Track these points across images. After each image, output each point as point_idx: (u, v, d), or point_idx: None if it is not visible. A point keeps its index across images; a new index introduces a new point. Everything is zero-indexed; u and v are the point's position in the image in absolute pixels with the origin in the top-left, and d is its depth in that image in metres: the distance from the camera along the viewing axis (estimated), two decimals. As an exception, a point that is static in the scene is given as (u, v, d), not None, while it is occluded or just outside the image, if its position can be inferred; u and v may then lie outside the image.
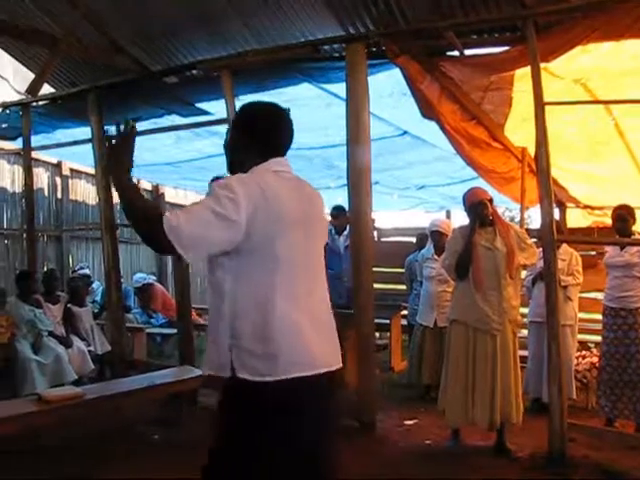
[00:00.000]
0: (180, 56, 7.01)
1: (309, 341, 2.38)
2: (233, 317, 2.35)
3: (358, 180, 5.64)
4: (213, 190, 2.33)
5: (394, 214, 15.31)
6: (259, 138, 2.55)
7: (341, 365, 2.52)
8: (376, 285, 7.09)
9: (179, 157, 9.41)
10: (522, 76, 5.64)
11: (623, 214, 5.85)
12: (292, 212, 2.44)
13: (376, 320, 6.67)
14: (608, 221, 6.01)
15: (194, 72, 6.96)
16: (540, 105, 4.95)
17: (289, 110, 2.73)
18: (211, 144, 8.30)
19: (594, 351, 6.99)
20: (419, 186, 10.52)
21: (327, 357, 2.45)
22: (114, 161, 2.51)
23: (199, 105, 7.27)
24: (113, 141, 2.55)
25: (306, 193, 2.61)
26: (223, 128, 6.64)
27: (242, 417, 2.34)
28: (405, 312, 8.37)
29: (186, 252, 2.29)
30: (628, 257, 5.80)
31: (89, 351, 7.23)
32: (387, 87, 6.13)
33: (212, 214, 2.29)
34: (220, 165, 8.25)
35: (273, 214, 2.36)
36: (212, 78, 6.60)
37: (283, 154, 2.60)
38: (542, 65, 5.09)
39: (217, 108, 6.88)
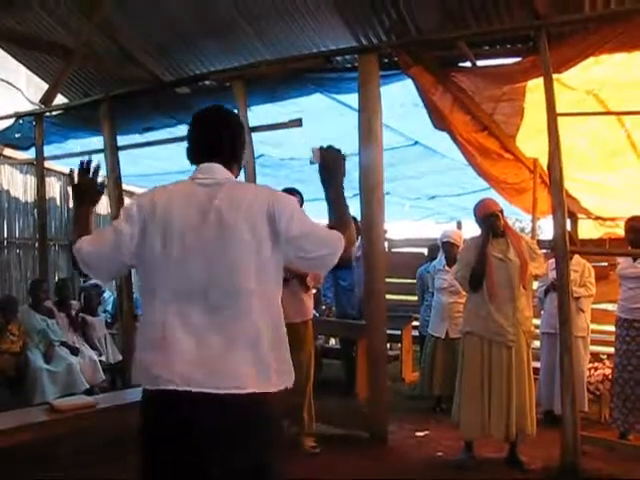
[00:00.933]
0: (192, 66, 7.06)
1: (175, 357, 2.25)
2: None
3: (370, 191, 5.64)
4: None
5: (405, 225, 15.30)
6: (187, 146, 2.62)
7: (238, 390, 2.23)
8: (387, 296, 7.09)
9: (191, 166, 9.41)
10: (534, 87, 5.64)
11: (636, 225, 5.82)
12: (179, 222, 2.33)
13: (387, 331, 6.67)
14: (620, 232, 6.00)
15: (206, 82, 7.00)
16: (553, 116, 4.94)
17: (218, 108, 2.63)
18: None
19: (606, 363, 6.94)
20: (430, 196, 10.50)
21: (200, 377, 2.23)
22: (74, 197, 2.76)
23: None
24: (76, 180, 2.73)
25: (214, 200, 2.35)
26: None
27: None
28: (416, 323, 8.35)
29: (86, 269, 2.46)
30: (641, 269, 5.78)
31: (100, 361, 7.24)
32: (399, 98, 6.14)
33: (111, 230, 2.41)
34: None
35: (159, 225, 2.34)
36: (224, 88, 6.64)
37: (212, 158, 2.49)
38: (554, 76, 5.09)
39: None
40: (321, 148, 2.57)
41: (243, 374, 2.25)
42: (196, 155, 2.55)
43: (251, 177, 6.41)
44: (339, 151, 2.57)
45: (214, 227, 2.31)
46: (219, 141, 2.51)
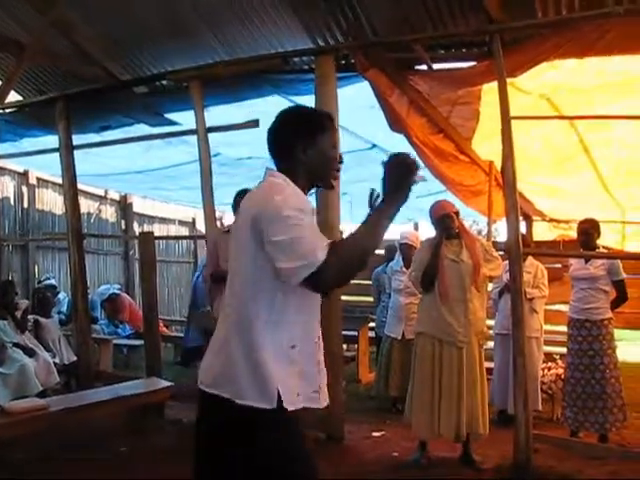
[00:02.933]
0: (150, 66, 6.99)
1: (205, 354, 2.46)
2: None
3: (326, 194, 5.63)
4: None
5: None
6: None
7: (217, 391, 2.31)
8: (344, 297, 7.09)
9: (149, 165, 9.36)
10: (489, 91, 5.71)
11: (587, 228, 5.94)
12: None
13: (344, 332, 6.69)
14: (573, 234, 6.11)
15: (164, 82, 6.95)
16: (506, 119, 5.02)
17: (278, 115, 2.53)
18: (180, 152, 8.28)
19: (559, 363, 7.06)
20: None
21: (204, 375, 2.41)
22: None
23: (168, 115, 7.25)
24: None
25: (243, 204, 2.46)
26: (193, 138, 6.65)
27: None
28: (373, 324, 8.40)
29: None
30: (593, 270, 5.89)
31: (54, 363, 7.13)
32: (356, 100, 6.16)
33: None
34: (190, 174, 8.22)
35: None
36: (182, 88, 6.60)
37: (276, 166, 2.48)
38: (508, 80, 5.16)
39: (186, 119, 6.87)
40: (397, 154, 2.35)
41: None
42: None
43: (207, 176, 6.39)
44: (414, 163, 2.35)
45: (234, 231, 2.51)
46: (268, 147, 2.51)
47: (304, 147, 2.41)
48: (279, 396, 2.25)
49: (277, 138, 2.49)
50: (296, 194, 2.35)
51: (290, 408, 2.27)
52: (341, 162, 2.49)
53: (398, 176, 2.33)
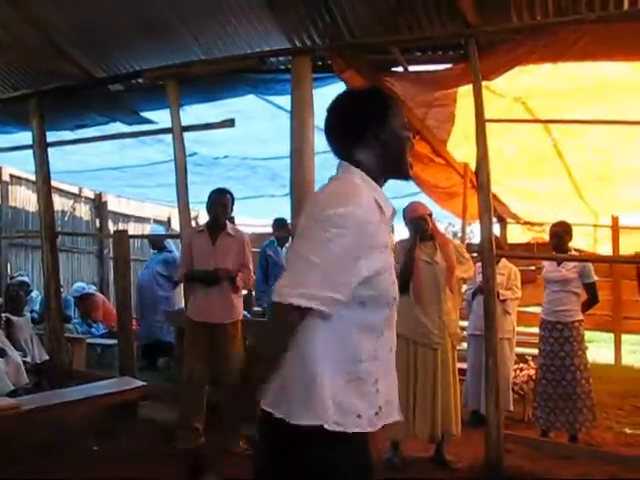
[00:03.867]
0: (125, 64, 6.93)
1: None
2: None
3: (301, 193, 5.64)
4: None
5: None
6: None
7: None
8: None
9: (124, 163, 9.32)
10: (465, 94, 5.76)
11: (560, 231, 6.00)
12: None
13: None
14: (547, 237, 6.17)
15: (139, 80, 6.91)
16: (481, 122, 5.06)
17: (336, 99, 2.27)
18: (156, 151, 8.25)
19: (531, 364, 7.13)
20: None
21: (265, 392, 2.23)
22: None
23: (144, 114, 7.22)
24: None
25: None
26: (168, 136, 6.63)
27: None
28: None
29: None
30: (565, 272, 5.96)
31: (24, 362, 7.05)
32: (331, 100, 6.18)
33: None
34: (166, 172, 8.17)
35: None
36: (157, 87, 6.56)
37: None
38: (484, 83, 5.21)
39: (162, 117, 6.85)
40: None
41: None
42: None
43: (182, 175, 6.37)
44: None
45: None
46: (328, 141, 2.26)
47: (375, 131, 2.15)
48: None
49: (341, 127, 2.21)
50: (366, 200, 2.05)
51: (348, 430, 2.05)
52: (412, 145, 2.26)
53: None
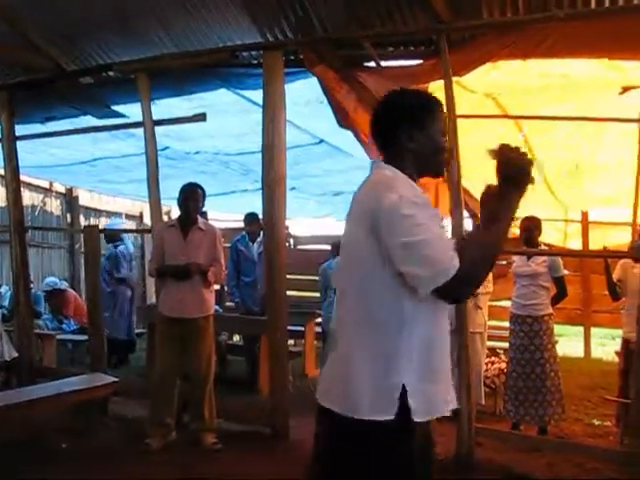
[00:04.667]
0: (96, 56, 6.87)
1: None
2: None
3: (273, 187, 5.65)
4: None
5: (311, 222, 15.40)
6: None
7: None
8: (291, 292, 7.09)
9: (95, 157, 9.23)
10: (436, 89, 5.75)
11: (529, 225, 6.05)
12: None
13: (291, 327, 6.70)
14: (517, 231, 6.22)
15: (110, 73, 6.86)
16: (452, 117, 5.08)
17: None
18: (128, 145, 8.18)
19: (503, 357, 7.19)
20: (335, 192, 10.62)
21: (322, 388, 2.37)
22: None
23: (115, 107, 7.16)
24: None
25: (352, 205, 2.30)
26: (140, 131, 6.58)
27: None
28: (319, 319, 8.42)
29: None
30: (534, 267, 6.01)
31: (-7, 359, 6.97)
32: (304, 95, 6.18)
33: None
34: (137, 167, 8.11)
35: None
36: (128, 80, 6.52)
37: (383, 157, 2.35)
38: (455, 79, 5.24)
39: (133, 111, 6.79)
40: (502, 146, 2.22)
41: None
42: None
43: (153, 170, 6.33)
44: (524, 155, 2.19)
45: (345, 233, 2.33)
46: (371, 134, 2.38)
47: (411, 132, 2.25)
48: (406, 407, 2.11)
49: (382, 124, 2.33)
50: (409, 186, 2.17)
51: (419, 419, 2.14)
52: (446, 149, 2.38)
53: (515, 169, 2.17)
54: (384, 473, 2.15)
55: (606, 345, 11.19)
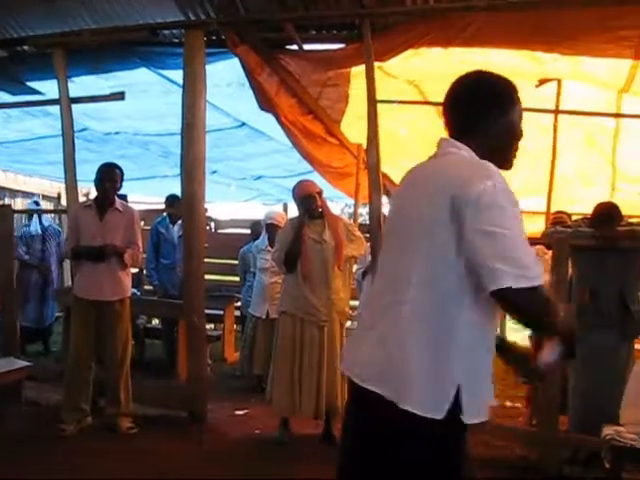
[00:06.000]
0: (10, 29, 6.62)
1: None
2: None
3: (192, 169, 5.58)
4: None
5: (232, 206, 15.32)
6: None
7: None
8: (211, 276, 7.02)
9: (9, 137, 8.94)
10: (358, 74, 5.80)
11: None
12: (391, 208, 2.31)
13: (210, 311, 6.65)
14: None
15: (25, 48, 6.62)
16: (372, 103, 5.12)
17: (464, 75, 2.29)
18: (44, 124, 7.95)
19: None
20: (256, 177, 10.59)
21: (362, 368, 2.15)
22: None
23: (30, 84, 6.93)
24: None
25: (418, 183, 2.20)
26: (56, 109, 6.39)
27: None
28: (239, 303, 8.40)
29: None
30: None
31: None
32: (226, 77, 6.12)
33: None
34: (53, 147, 7.91)
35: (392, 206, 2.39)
36: (45, 56, 6.31)
37: (449, 131, 2.25)
38: (377, 64, 5.28)
39: (49, 88, 6.59)
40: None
41: None
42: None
43: (69, 149, 6.16)
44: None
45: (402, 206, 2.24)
46: (449, 110, 2.28)
47: (495, 118, 2.17)
48: (458, 407, 1.99)
49: (468, 104, 2.21)
50: (500, 174, 2.05)
51: (469, 421, 2.02)
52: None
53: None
54: (432, 473, 2.04)
55: (520, 330, 11.47)
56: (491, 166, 2.06)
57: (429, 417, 1.96)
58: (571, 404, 4.89)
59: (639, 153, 6.95)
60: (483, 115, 2.18)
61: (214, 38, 5.84)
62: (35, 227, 8.58)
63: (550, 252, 6.05)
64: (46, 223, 8.74)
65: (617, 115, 6.07)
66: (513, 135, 2.23)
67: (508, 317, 1.99)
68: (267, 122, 6.59)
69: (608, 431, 3.81)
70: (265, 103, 6.01)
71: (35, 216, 8.65)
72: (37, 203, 9.11)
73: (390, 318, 2.07)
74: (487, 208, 1.92)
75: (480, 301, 1.99)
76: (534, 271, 1.91)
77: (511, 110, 2.21)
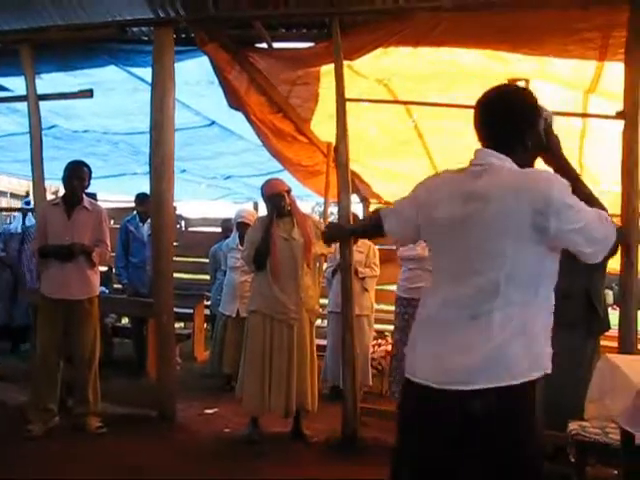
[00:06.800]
0: (-24, 25, 6.55)
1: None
2: None
3: (161, 167, 5.55)
4: None
5: (203, 204, 15.28)
6: None
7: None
8: (181, 275, 7.00)
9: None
10: (328, 72, 5.80)
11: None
12: (440, 215, 2.36)
13: (180, 310, 6.63)
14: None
15: (-9, 44, 6.54)
16: (341, 101, 5.13)
17: (499, 87, 2.48)
18: (11, 121, 7.85)
19: (389, 340, 7.34)
20: (226, 176, 10.56)
21: (455, 375, 2.29)
22: None
23: (-4, 80, 6.86)
24: None
25: (474, 190, 2.29)
26: (24, 106, 6.32)
27: None
28: (209, 302, 8.38)
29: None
30: (420, 251, 6.14)
31: None
32: (195, 75, 6.09)
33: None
34: (22, 145, 7.86)
35: (426, 218, 2.44)
36: (12, 52, 6.23)
37: (486, 143, 2.38)
38: (346, 63, 5.28)
39: (17, 85, 6.52)
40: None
41: None
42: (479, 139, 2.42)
43: (37, 146, 6.10)
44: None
45: (471, 215, 2.27)
46: (488, 124, 2.39)
47: (531, 134, 2.36)
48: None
49: (502, 120, 2.36)
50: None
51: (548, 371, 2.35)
52: None
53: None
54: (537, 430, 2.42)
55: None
56: (544, 172, 2.33)
57: (535, 377, 2.29)
58: (537, 400, 4.93)
59: (605, 153, 7.04)
60: (520, 131, 2.34)
61: (183, 36, 5.81)
62: (16, 226, 8.51)
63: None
64: (28, 223, 8.64)
65: (584, 115, 6.12)
66: (541, 144, 2.42)
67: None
68: (237, 120, 6.57)
69: (573, 426, 3.85)
70: (235, 101, 5.99)
71: (19, 215, 8.58)
72: (28, 203, 9.02)
73: (482, 326, 2.22)
74: (564, 210, 2.17)
75: (550, 289, 2.31)
76: (611, 235, 2.29)
77: (538, 123, 2.39)
